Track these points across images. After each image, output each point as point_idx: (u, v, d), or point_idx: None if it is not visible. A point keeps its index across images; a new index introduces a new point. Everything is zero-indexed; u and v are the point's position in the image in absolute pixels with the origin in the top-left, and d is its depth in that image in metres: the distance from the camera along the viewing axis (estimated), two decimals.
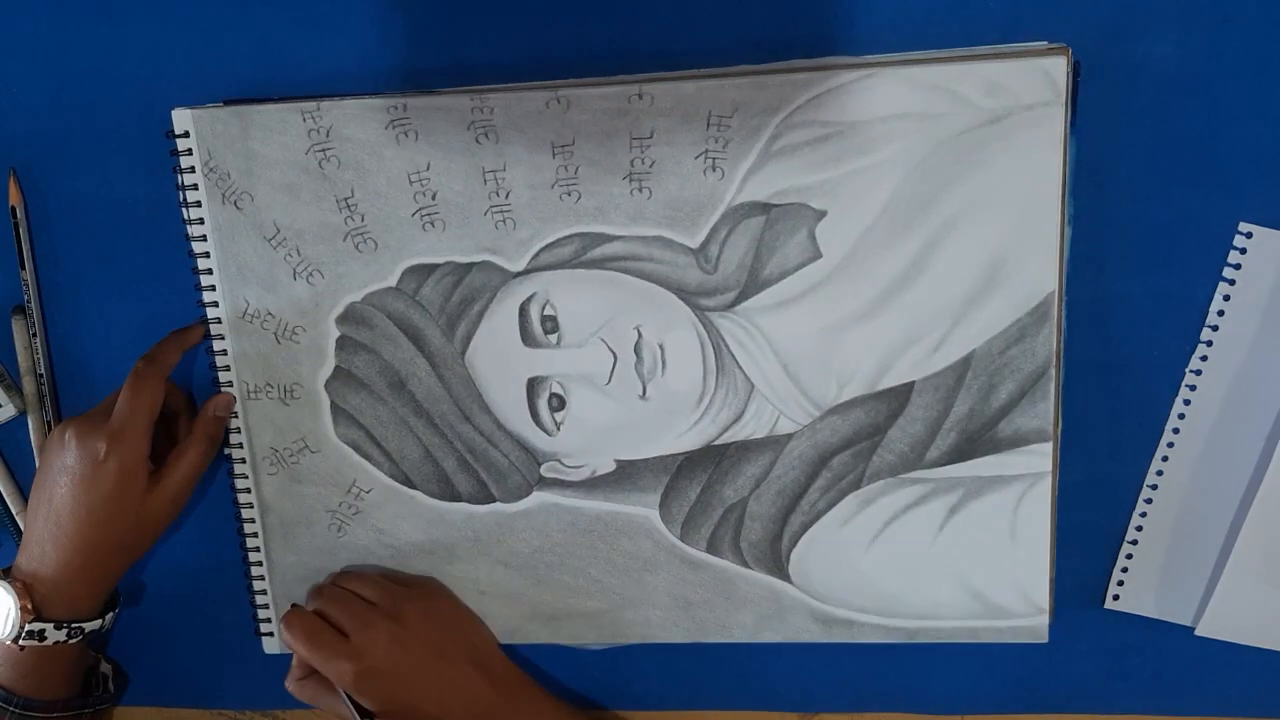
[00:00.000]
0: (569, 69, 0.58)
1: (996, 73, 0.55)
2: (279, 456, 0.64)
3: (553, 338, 0.61)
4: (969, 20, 0.57)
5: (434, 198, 0.59)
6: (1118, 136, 0.58)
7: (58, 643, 0.63)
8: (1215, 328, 0.60)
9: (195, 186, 0.59)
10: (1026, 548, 0.62)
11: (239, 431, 0.63)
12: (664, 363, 0.61)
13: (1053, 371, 0.59)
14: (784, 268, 0.59)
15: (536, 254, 0.60)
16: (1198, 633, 0.64)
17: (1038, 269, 0.58)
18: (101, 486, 0.61)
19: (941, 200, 0.57)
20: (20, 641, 0.62)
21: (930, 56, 0.56)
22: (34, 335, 0.65)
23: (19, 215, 0.62)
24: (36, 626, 0.62)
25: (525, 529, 0.64)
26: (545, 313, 0.60)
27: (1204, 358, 0.60)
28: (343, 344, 0.62)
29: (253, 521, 0.65)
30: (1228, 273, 0.59)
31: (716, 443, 0.62)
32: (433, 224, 0.59)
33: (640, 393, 0.61)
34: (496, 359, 0.61)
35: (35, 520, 0.63)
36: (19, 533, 0.69)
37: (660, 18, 0.58)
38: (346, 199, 0.59)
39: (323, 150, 0.58)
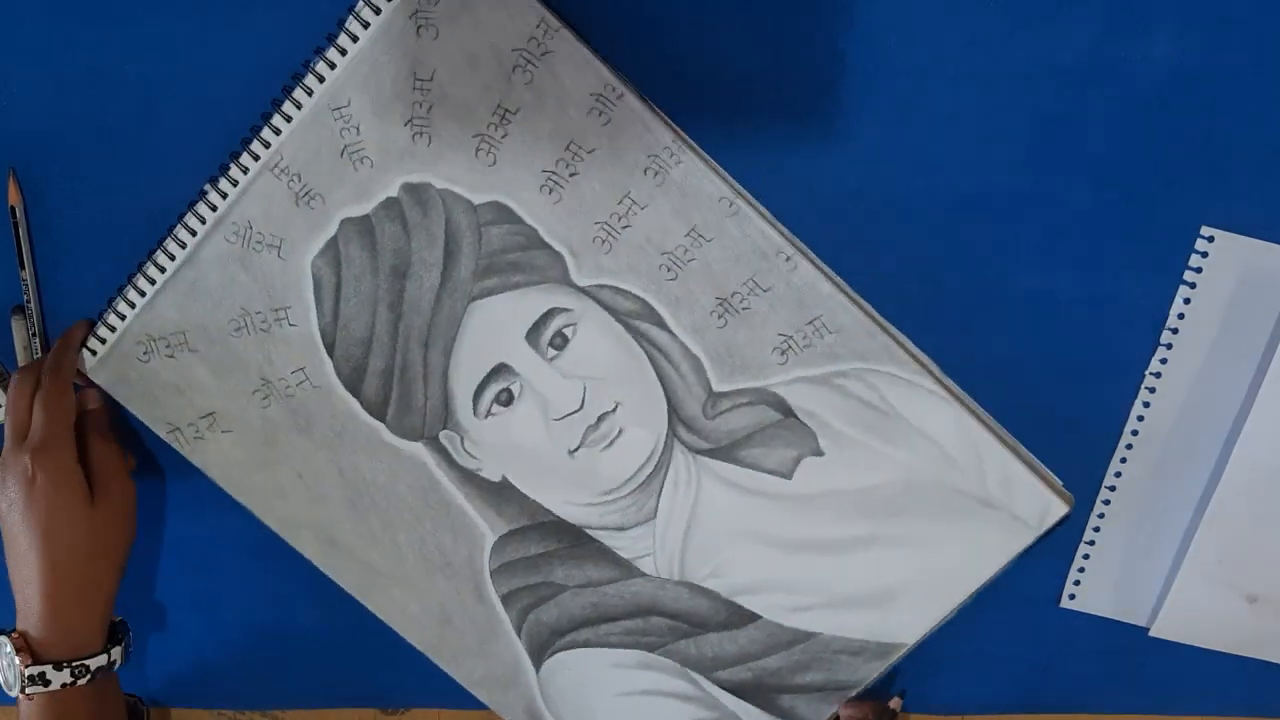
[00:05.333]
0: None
1: (1018, 475, 0.61)
2: (244, 236, 0.60)
3: (551, 352, 0.61)
4: None
5: (571, 175, 0.58)
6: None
7: (65, 685, 0.60)
8: (1175, 330, 0.60)
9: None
10: None
11: (223, 196, 0.59)
12: (612, 445, 0.62)
13: (850, 693, 0.65)
14: (758, 464, 0.62)
15: (603, 285, 0.60)
16: (1152, 633, 0.65)
17: (912, 623, 0.64)
18: (42, 503, 0.59)
19: (902, 520, 0.62)
20: (26, 691, 0.60)
21: (989, 421, 0.61)
22: (34, 335, 0.63)
23: (19, 215, 0.60)
24: (36, 670, 0.59)
25: (384, 463, 0.63)
26: (565, 332, 0.61)
27: (1164, 360, 0.61)
28: (388, 205, 0.59)
29: (171, 257, 0.60)
30: (1188, 276, 0.60)
31: (588, 530, 0.64)
32: (550, 192, 0.59)
33: (572, 447, 0.62)
34: (493, 327, 0.61)
35: (10, 567, 0.61)
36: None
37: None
38: (505, 110, 0.57)
39: (528, 59, 0.56)
